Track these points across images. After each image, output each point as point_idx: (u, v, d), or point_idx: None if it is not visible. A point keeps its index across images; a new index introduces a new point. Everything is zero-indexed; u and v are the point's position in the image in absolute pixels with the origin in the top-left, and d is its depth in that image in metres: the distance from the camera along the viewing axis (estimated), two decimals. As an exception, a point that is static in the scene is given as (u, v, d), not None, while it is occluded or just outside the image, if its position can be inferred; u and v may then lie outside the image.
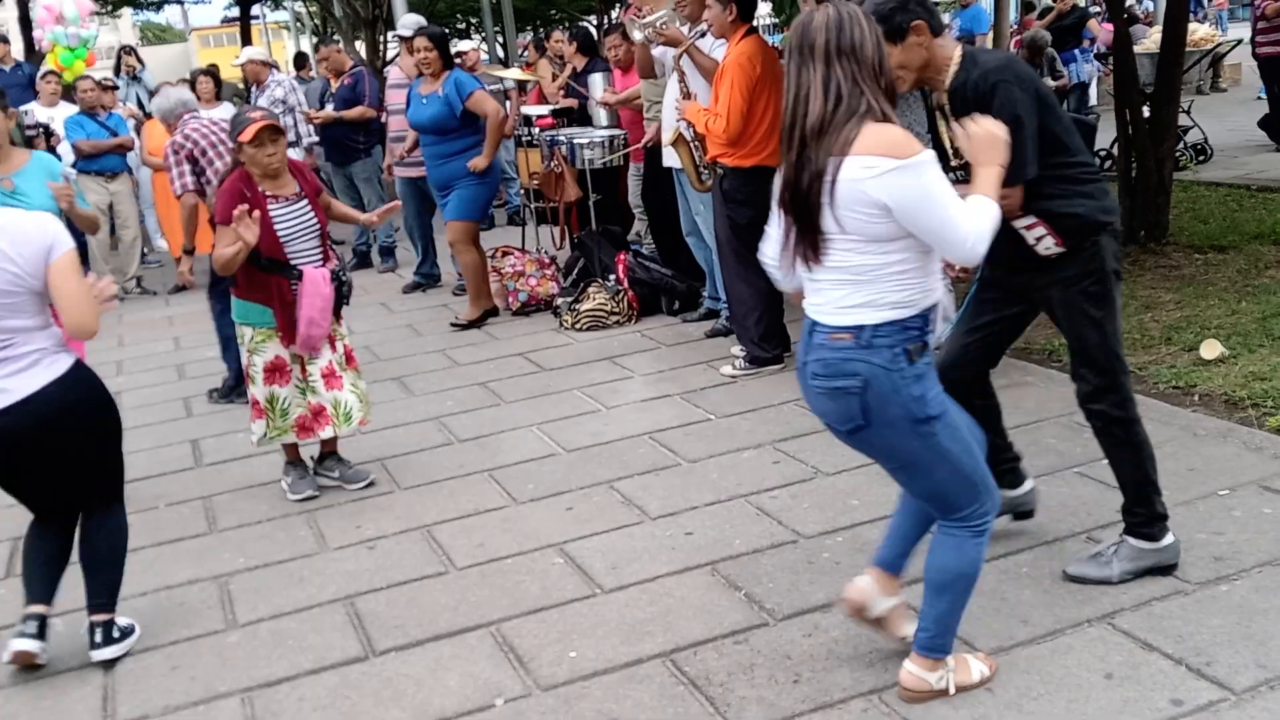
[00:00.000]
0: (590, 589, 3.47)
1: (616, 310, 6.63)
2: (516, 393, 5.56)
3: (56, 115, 9.11)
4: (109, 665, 3.31)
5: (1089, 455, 4.06)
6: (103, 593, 3.37)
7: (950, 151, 3.09)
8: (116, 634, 3.34)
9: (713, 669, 2.98)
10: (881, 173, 2.36)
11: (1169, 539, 3.20)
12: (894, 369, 2.47)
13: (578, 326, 6.64)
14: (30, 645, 3.24)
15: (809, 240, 2.50)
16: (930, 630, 2.70)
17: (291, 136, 8.77)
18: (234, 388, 5.82)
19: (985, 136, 2.56)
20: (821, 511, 3.84)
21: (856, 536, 3.64)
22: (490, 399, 5.49)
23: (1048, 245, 3.06)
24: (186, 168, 5.54)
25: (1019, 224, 3.06)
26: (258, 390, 4.32)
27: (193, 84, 9.80)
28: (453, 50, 7.69)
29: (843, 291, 2.50)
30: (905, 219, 2.40)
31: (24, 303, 3.05)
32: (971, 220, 2.42)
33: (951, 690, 2.72)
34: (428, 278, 8.26)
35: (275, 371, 4.31)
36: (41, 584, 3.33)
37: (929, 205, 2.38)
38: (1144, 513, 3.19)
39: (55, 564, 3.37)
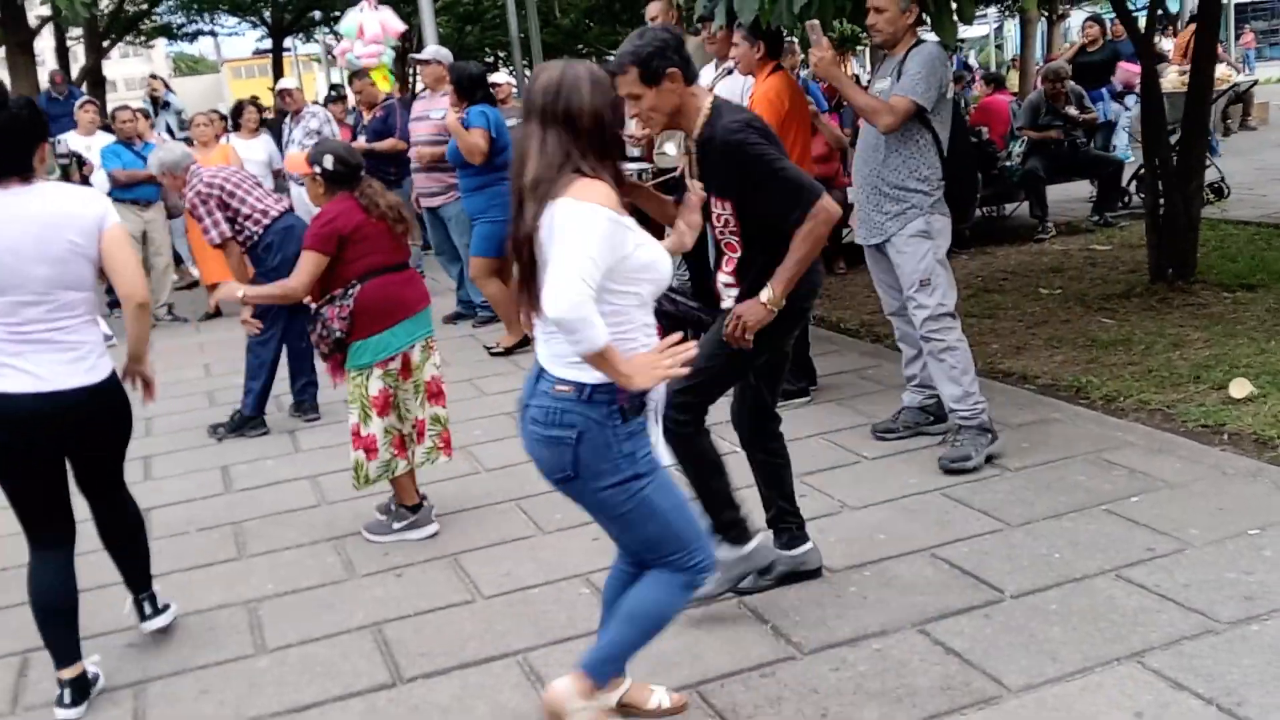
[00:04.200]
0: (617, 619, 3.48)
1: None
2: (543, 423, 5.57)
3: (93, 144, 9.27)
4: (139, 688, 3.35)
5: (1117, 492, 4.06)
6: (142, 569, 3.59)
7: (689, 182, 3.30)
8: (161, 605, 3.62)
9: (740, 701, 2.98)
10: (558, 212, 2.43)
11: (753, 544, 3.48)
12: (608, 424, 2.51)
13: (604, 358, 6.65)
14: (72, 714, 3.21)
15: (533, 291, 2.51)
16: (600, 652, 2.69)
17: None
18: (247, 420, 5.86)
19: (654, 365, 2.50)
20: (848, 545, 3.84)
21: (884, 571, 3.64)
22: (517, 428, 5.50)
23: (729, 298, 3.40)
24: (219, 215, 5.55)
25: (723, 278, 3.39)
26: None
27: (238, 113, 9.94)
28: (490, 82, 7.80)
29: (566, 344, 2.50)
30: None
31: (81, 274, 3.13)
32: (575, 289, 2.34)
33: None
34: (466, 305, 8.30)
35: None
36: (69, 640, 3.26)
37: (560, 241, 2.40)
38: (716, 523, 3.42)
39: (72, 615, 3.27)
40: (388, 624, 3.60)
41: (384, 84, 11.96)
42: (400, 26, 11.09)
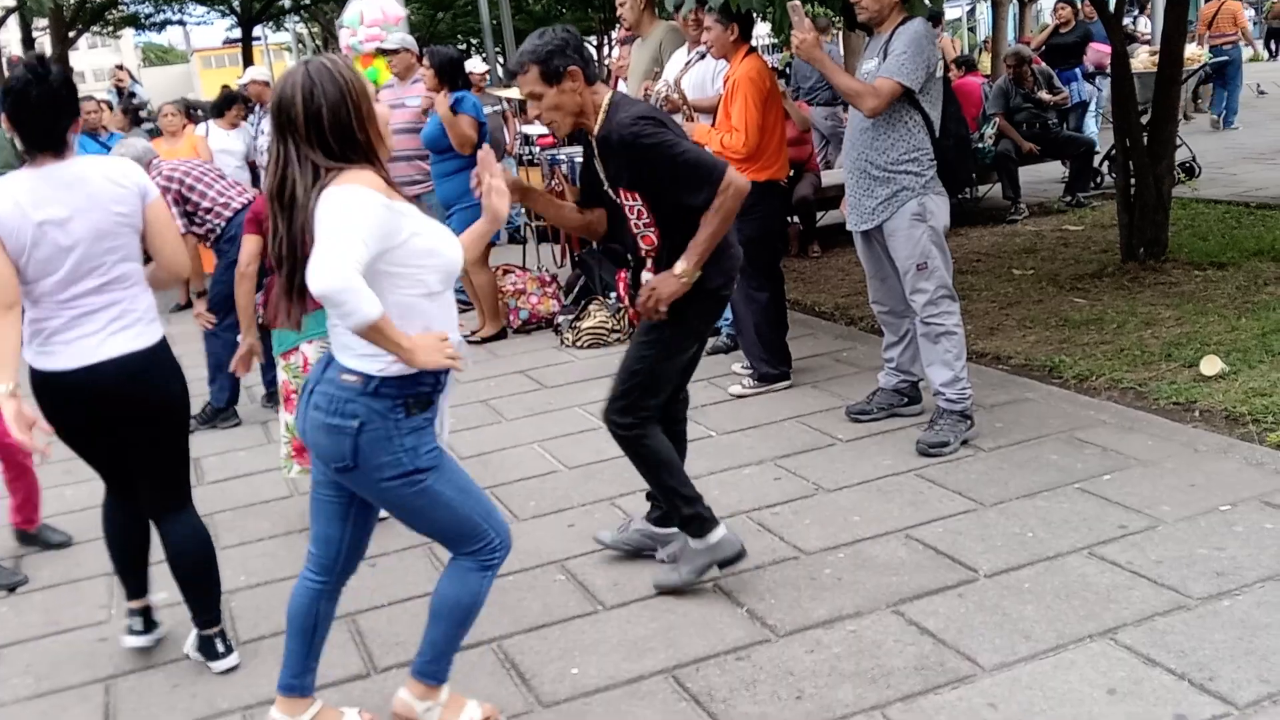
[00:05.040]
0: (592, 605, 3.48)
1: (617, 328, 6.65)
2: (518, 410, 5.57)
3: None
4: (110, 682, 3.32)
5: (1090, 471, 4.07)
6: (210, 605, 3.35)
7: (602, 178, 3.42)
8: (232, 643, 3.38)
9: (715, 685, 2.98)
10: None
11: (717, 535, 3.43)
12: (390, 417, 2.51)
13: (579, 344, 6.65)
14: (139, 641, 3.42)
15: (292, 300, 2.50)
16: (425, 655, 2.78)
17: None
18: (219, 412, 5.82)
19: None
20: (823, 528, 3.84)
21: (858, 553, 3.64)
22: (491, 416, 5.50)
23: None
24: (174, 210, 5.50)
25: (648, 276, 3.40)
26: None
27: (224, 106, 9.70)
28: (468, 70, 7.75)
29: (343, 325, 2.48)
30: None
31: (129, 245, 3.12)
32: (337, 261, 2.29)
33: None
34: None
35: None
36: (134, 578, 3.45)
37: (323, 223, 2.36)
38: (678, 518, 3.46)
39: (139, 555, 3.45)
40: (361, 614, 3.58)
41: (385, 73, 11.92)
42: (400, 12, 10.99)
